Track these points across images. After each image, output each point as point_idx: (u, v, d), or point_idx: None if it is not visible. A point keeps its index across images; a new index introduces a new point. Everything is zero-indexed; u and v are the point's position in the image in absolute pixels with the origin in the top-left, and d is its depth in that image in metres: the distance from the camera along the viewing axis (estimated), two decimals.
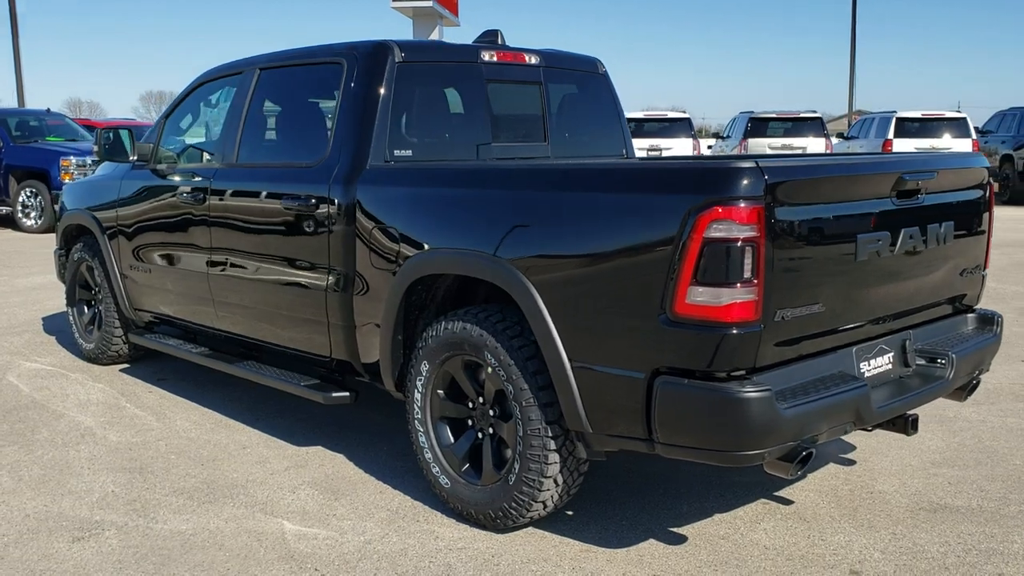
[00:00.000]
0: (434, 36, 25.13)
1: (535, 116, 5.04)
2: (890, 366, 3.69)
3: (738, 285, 3.00)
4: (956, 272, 3.98)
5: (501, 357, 3.62)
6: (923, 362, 3.80)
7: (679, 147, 20.77)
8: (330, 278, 4.40)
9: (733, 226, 2.96)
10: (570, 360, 3.39)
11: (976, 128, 21.67)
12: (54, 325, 7.84)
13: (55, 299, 8.99)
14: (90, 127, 19.57)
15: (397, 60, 4.42)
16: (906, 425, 3.65)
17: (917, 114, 21.35)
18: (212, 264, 5.15)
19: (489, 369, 3.72)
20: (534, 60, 5.01)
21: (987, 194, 4.10)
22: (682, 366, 3.12)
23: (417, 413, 4.05)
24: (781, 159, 3.18)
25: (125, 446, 4.91)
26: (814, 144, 21.83)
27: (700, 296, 3.03)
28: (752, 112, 22.94)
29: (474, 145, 4.73)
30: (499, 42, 4.97)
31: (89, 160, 15.10)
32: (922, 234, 3.62)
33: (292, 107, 5.14)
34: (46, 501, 4.20)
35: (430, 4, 23.57)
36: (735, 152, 22.09)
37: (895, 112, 21.56)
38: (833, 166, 3.40)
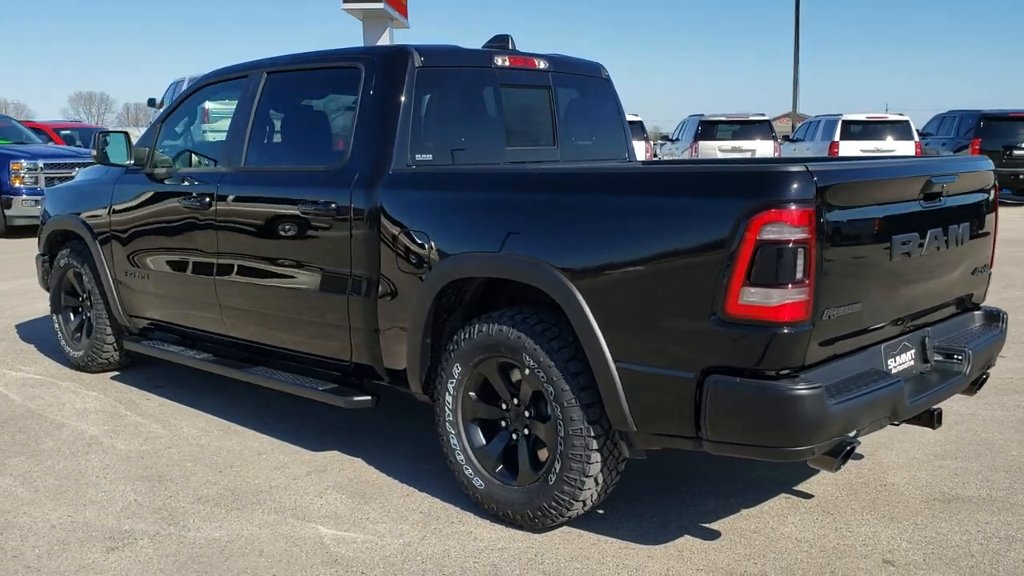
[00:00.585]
0: (384, 38, 25.06)
1: (545, 120, 5.10)
2: (912, 363, 3.82)
3: (790, 286, 3.09)
4: (968, 271, 4.14)
5: (541, 359, 3.67)
6: (940, 358, 3.95)
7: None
8: (352, 282, 4.40)
9: (785, 228, 3.06)
10: (615, 361, 3.45)
11: (917, 131, 22.34)
12: (31, 332, 7.68)
13: (25, 305, 8.81)
14: (36, 130, 19.11)
15: (417, 65, 4.44)
16: (931, 419, 3.78)
17: (862, 116, 21.94)
18: (219, 269, 5.11)
19: (527, 371, 3.77)
20: (543, 65, 5.07)
21: (993, 196, 4.27)
22: (733, 365, 3.20)
23: (448, 415, 4.08)
24: (825, 163, 3.28)
25: (136, 454, 4.84)
26: (762, 147, 22.26)
27: (753, 297, 3.11)
28: (702, 115, 23.29)
29: (489, 149, 4.77)
30: (510, 47, 5.01)
31: (41, 164, 14.76)
32: (944, 235, 3.77)
33: (305, 111, 5.12)
34: (69, 511, 4.13)
35: (381, 6, 23.52)
36: (686, 155, 22.41)
37: (840, 115, 22.11)
38: (873, 169, 3.52)
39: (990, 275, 4.40)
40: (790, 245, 3.07)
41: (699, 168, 3.45)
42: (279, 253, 4.77)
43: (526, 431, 3.90)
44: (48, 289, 6.78)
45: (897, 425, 3.87)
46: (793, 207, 3.06)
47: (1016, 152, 20.65)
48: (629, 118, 20.04)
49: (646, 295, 3.36)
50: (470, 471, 4.02)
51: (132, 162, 5.67)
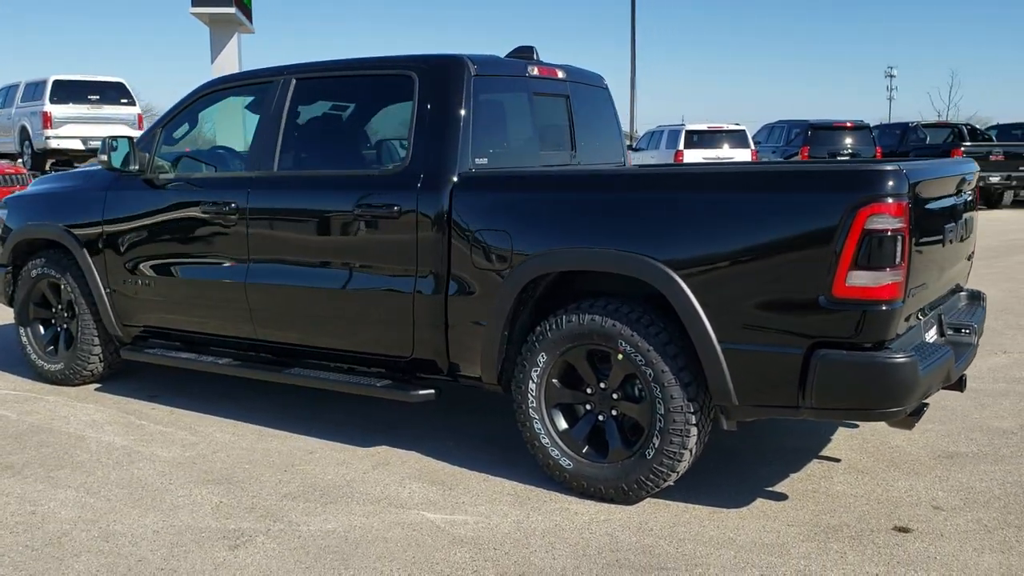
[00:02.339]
0: (232, 43, 24.55)
1: (565, 127, 5.45)
2: (936, 336, 4.42)
3: (888, 269, 3.58)
4: (965, 257, 4.80)
5: (639, 344, 4.01)
6: (952, 332, 4.57)
7: None
8: (419, 281, 4.58)
9: (887, 219, 3.55)
10: (720, 343, 3.84)
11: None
12: None
13: None
14: None
15: (472, 73, 4.69)
16: (960, 383, 4.38)
17: (703, 126, 23.37)
18: (251, 273, 5.14)
19: (619, 356, 4.10)
20: (561, 75, 5.42)
21: (977, 194, 4.96)
22: (839, 340, 3.66)
23: (532, 402, 4.35)
24: (908, 163, 3.79)
25: (186, 460, 4.81)
26: None
27: (859, 279, 3.58)
28: None
29: (527, 154, 5.07)
30: (535, 58, 5.31)
31: None
32: (964, 225, 4.39)
33: (348, 117, 5.23)
34: (159, 517, 4.11)
35: (232, 10, 23.04)
36: None
37: (683, 125, 23.49)
38: (937, 168, 4.08)
39: (972, 262, 5.10)
40: (889, 233, 3.56)
41: (806, 167, 3.89)
42: (327, 255, 4.88)
43: (613, 412, 4.23)
44: (9, 302, 6.49)
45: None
46: (891, 200, 3.56)
47: (839, 158, 22.62)
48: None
49: (753, 281, 3.77)
50: (556, 453, 4.31)
51: (137, 167, 5.57)
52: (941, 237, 4.03)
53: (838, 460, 4.80)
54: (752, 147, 23.08)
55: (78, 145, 20.33)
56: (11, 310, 6.53)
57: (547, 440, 4.33)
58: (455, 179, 4.53)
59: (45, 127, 19.71)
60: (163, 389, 6.12)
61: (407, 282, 4.63)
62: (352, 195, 4.77)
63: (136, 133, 22.05)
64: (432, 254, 4.55)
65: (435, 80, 4.68)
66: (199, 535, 3.92)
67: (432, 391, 4.73)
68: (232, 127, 7.13)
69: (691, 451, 4.06)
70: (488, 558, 3.70)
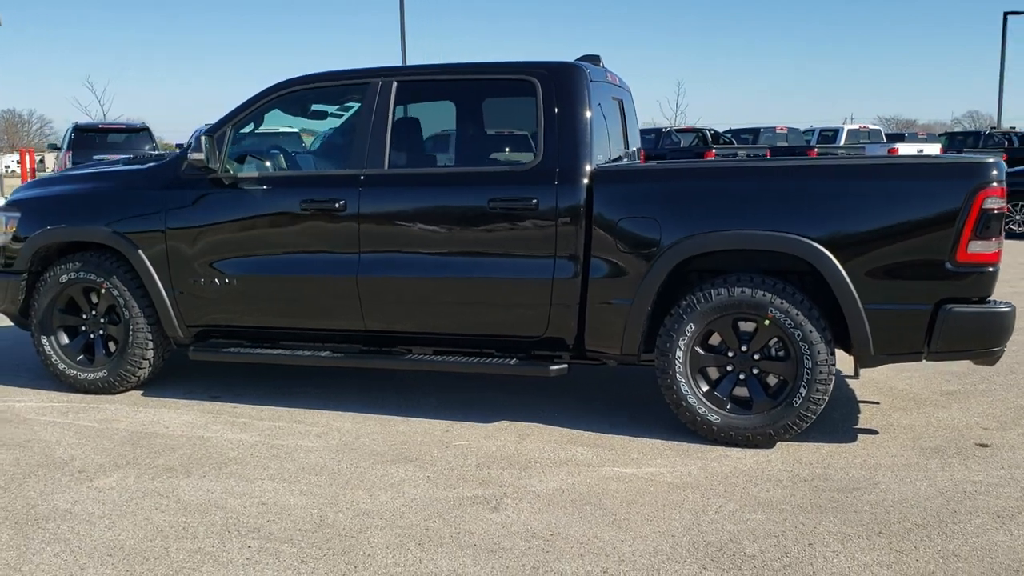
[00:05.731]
0: None
1: (622, 125, 6.12)
2: None
3: (994, 239, 4.63)
4: None
5: (788, 310, 4.80)
6: None
7: None
8: (557, 266, 5.08)
9: (996, 200, 4.59)
10: (863, 304, 4.71)
11: None
12: None
13: None
14: None
15: (589, 78, 5.26)
16: None
17: None
18: (363, 268, 5.35)
19: (767, 322, 4.87)
20: (618, 81, 6.08)
21: None
22: (959, 296, 4.66)
23: (679, 367, 5.00)
24: (997, 158, 4.84)
25: (341, 447, 4.98)
26: None
27: (976, 247, 4.60)
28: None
29: (612, 150, 5.69)
30: (600, 66, 5.93)
31: None
32: None
33: (466, 118, 5.56)
34: (391, 494, 4.32)
35: None
36: None
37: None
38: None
39: None
40: (996, 211, 4.60)
41: (935, 160, 4.82)
42: (457, 246, 5.23)
43: (754, 371, 4.98)
44: (22, 312, 6.13)
45: None
46: (997, 185, 4.60)
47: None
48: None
49: (890, 253, 4.68)
50: (704, 410, 4.99)
51: (215, 166, 5.55)
52: None
53: (878, 403, 5.84)
54: None
55: None
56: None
57: (694, 400, 5.00)
58: (591, 173, 5.07)
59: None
60: (216, 390, 6.09)
61: (546, 267, 5.11)
62: (483, 190, 5.16)
63: None
64: (570, 241, 5.07)
65: (560, 84, 5.19)
66: (447, 504, 4.22)
67: (566, 366, 5.24)
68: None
69: (829, 397, 4.90)
70: (715, 495, 4.33)
